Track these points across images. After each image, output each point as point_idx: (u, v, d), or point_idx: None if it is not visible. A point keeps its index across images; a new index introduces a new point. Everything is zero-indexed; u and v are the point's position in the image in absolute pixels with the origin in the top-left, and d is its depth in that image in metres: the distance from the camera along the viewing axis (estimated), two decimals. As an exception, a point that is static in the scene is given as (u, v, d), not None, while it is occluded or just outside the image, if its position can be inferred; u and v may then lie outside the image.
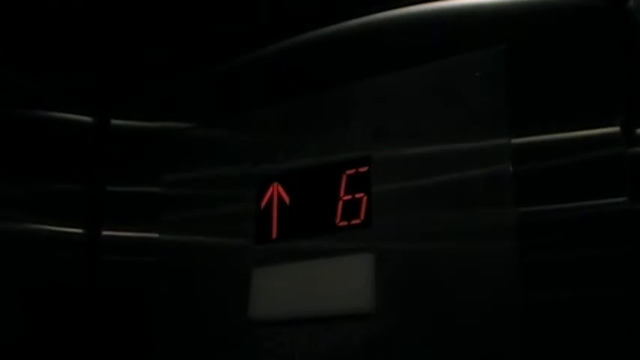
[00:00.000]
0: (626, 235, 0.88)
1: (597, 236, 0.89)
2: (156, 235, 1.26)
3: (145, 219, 1.29)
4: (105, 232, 1.32)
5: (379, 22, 1.16)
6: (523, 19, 1.02)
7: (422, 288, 0.99)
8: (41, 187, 1.26)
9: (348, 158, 1.10)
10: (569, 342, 0.88)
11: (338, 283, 1.04)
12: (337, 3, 1.18)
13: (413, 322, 0.98)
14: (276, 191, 1.15)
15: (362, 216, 1.06)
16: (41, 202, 1.25)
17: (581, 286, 0.89)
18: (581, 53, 0.97)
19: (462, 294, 0.96)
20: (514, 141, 0.98)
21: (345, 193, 1.09)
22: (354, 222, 1.07)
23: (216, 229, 1.20)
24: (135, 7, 1.20)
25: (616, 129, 0.92)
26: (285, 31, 1.22)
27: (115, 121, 1.38)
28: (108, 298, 1.28)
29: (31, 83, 1.27)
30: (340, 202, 1.09)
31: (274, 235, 1.13)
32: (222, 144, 1.25)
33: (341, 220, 1.08)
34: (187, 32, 1.27)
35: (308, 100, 1.18)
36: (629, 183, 0.89)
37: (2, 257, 1.18)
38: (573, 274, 0.89)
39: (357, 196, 1.07)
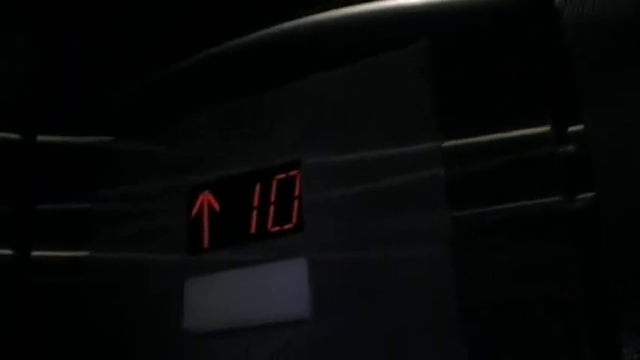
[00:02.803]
0: (561, 234, 0.88)
1: (533, 236, 0.90)
2: (86, 254, 1.23)
3: (75, 236, 1.25)
4: (34, 253, 1.28)
5: (305, 25, 1.16)
6: (449, 16, 1.03)
7: (358, 292, 0.98)
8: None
9: (277, 163, 1.09)
10: (508, 343, 0.88)
11: (273, 290, 1.02)
12: (262, 8, 1.17)
13: (350, 326, 0.97)
14: (207, 200, 1.13)
15: (294, 220, 1.05)
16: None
17: (518, 287, 0.89)
18: (510, 52, 0.97)
19: (398, 297, 0.95)
20: (445, 144, 0.98)
21: (276, 198, 1.08)
22: (286, 227, 1.06)
23: (149, 243, 1.18)
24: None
25: (547, 128, 0.92)
26: (209, 38, 1.21)
27: (41, 137, 1.34)
28: (39, 320, 1.24)
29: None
30: (272, 207, 1.08)
31: (206, 244, 1.12)
32: (150, 155, 1.23)
33: (273, 226, 1.07)
34: (112, 44, 1.25)
35: (235, 106, 1.17)
36: (563, 182, 0.90)
37: None
38: (510, 276, 0.90)
39: (288, 200, 1.06)
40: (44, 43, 1.31)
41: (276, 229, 1.06)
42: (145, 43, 1.25)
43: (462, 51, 1.01)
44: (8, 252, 1.27)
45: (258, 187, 1.09)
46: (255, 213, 1.08)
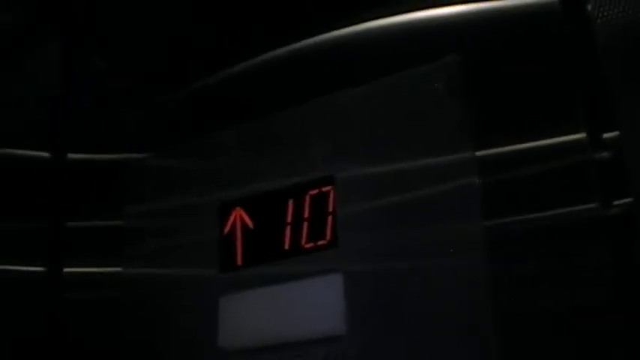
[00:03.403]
0: (597, 242, 0.87)
1: (568, 245, 0.89)
2: (119, 269, 1.23)
3: (107, 253, 1.26)
4: (66, 269, 1.29)
5: (334, 40, 1.15)
6: (479, 25, 1.03)
7: (393, 306, 0.97)
8: (-1, 226, 1.23)
9: (310, 178, 1.09)
10: (544, 353, 0.87)
11: (307, 306, 1.02)
12: (290, 24, 1.17)
13: (386, 341, 0.97)
14: (239, 216, 1.13)
15: (328, 236, 1.05)
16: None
17: (553, 296, 0.88)
18: (541, 60, 0.97)
19: (434, 310, 0.94)
20: (478, 153, 0.97)
21: (310, 214, 1.07)
22: (320, 243, 1.05)
23: (181, 260, 1.18)
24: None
25: (582, 135, 0.91)
26: (239, 54, 1.21)
27: (72, 155, 1.35)
28: (72, 337, 1.24)
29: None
30: (305, 224, 1.07)
31: (239, 261, 1.11)
32: (182, 172, 1.24)
33: (307, 242, 1.06)
34: (141, 60, 1.26)
35: (266, 122, 1.17)
36: (598, 189, 0.89)
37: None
38: (545, 285, 0.89)
39: (322, 216, 1.06)
40: (70, 64, 1.32)
41: (310, 245, 1.06)
42: (174, 59, 1.25)
43: (493, 60, 1.00)
44: (41, 269, 1.28)
45: (291, 203, 1.09)
46: (288, 229, 1.08)
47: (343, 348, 0.99)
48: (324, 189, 1.07)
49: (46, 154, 1.33)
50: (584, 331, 0.85)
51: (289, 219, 1.08)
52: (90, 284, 1.26)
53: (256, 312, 1.06)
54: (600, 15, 0.93)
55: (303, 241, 1.07)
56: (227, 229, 1.14)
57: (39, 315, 1.25)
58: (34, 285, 1.26)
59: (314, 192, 1.08)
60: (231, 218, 1.14)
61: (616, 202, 0.88)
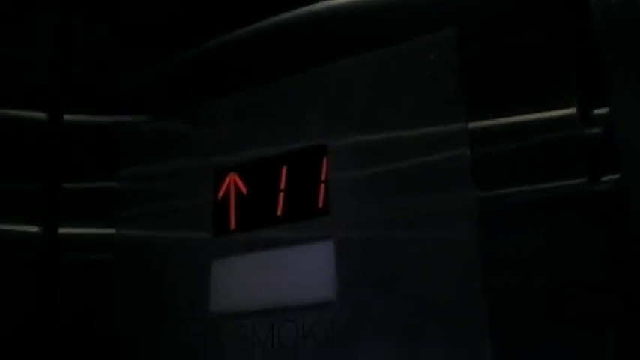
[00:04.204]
0: (586, 216, 0.88)
1: (557, 218, 0.89)
2: (112, 231, 1.24)
3: (101, 215, 1.26)
4: (62, 230, 1.29)
5: (331, 9, 1.14)
6: (476, 2, 1.02)
7: (383, 273, 0.99)
8: (-5, 186, 1.23)
9: (304, 146, 1.09)
10: (533, 326, 0.88)
11: (298, 272, 1.04)
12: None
13: (375, 307, 0.98)
14: (233, 182, 1.14)
15: (320, 204, 1.05)
16: (-5, 201, 1.22)
17: (541, 268, 0.89)
18: (536, 34, 0.96)
19: (422, 278, 0.95)
20: (471, 125, 0.97)
21: (303, 181, 1.08)
22: (312, 210, 1.06)
23: (174, 223, 1.19)
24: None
25: (572, 110, 0.91)
26: (236, 20, 1.21)
27: (68, 117, 1.35)
28: (67, 297, 1.25)
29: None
30: (298, 190, 1.08)
31: (232, 226, 1.12)
32: (177, 137, 1.24)
33: (299, 209, 1.07)
34: (138, 24, 1.25)
35: (262, 90, 1.16)
36: (588, 164, 0.89)
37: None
38: (534, 257, 0.89)
39: (315, 183, 1.06)
40: (69, 28, 1.31)
41: (303, 211, 1.06)
42: (171, 25, 1.24)
43: (488, 33, 1.00)
44: (36, 229, 1.28)
45: (284, 170, 1.09)
46: (281, 195, 1.09)
47: (333, 314, 1.00)
48: (318, 157, 1.07)
49: (42, 115, 1.33)
50: (571, 304, 0.86)
51: (282, 185, 1.09)
52: (84, 246, 1.27)
53: (248, 276, 1.07)
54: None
55: (296, 207, 1.07)
56: (221, 193, 1.15)
57: (33, 275, 1.26)
58: (29, 245, 1.27)
59: (307, 159, 1.08)
60: (226, 183, 1.14)
61: (605, 178, 0.89)
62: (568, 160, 0.90)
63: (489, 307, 0.90)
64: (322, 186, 1.06)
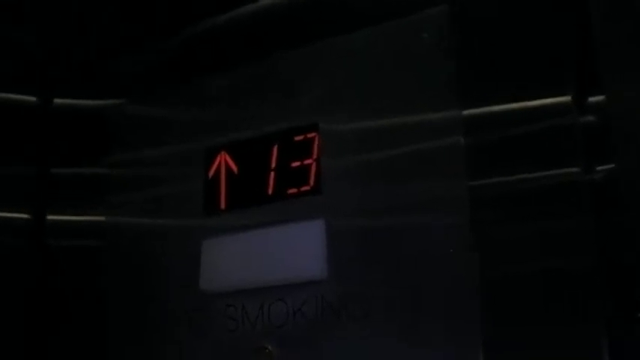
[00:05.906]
0: (580, 205, 0.88)
1: (550, 207, 0.89)
2: (102, 218, 1.24)
3: (91, 200, 1.26)
4: (50, 216, 1.29)
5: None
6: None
7: (373, 255, 0.99)
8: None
9: (295, 125, 1.09)
10: (526, 314, 0.88)
11: (289, 250, 1.03)
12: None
13: (366, 287, 0.98)
14: (224, 161, 1.14)
15: (311, 183, 1.05)
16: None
17: (534, 257, 0.89)
18: (532, 20, 0.96)
19: (413, 261, 0.96)
20: (465, 112, 0.97)
21: (294, 160, 1.08)
22: (303, 189, 1.06)
23: (165, 205, 1.18)
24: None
25: (567, 98, 0.91)
26: (226, 1, 1.21)
27: (57, 100, 1.34)
28: (56, 283, 1.25)
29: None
30: (289, 169, 1.08)
31: (223, 205, 1.12)
32: (168, 118, 1.23)
33: (291, 188, 1.07)
34: (129, 7, 1.25)
35: (253, 69, 1.16)
36: (582, 153, 0.89)
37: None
38: (527, 245, 0.89)
39: (306, 162, 1.07)
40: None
41: (294, 190, 1.06)
42: (161, 6, 1.24)
43: (482, 18, 1.00)
44: (25, 215, 1.28)
45: (275, 149, 1.09)
46: (272, 174, 1.09)
47: (323, 292, 1.01)
48: (309, 135, 1.07)
49: (32, 98, 1.32)
50: (564, 293, 0.86)
51: (273, 164, 1.09)
52: (74, 231, 1.27)
53: (239, 255, 1.07)
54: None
55: (287, 186, 1.07)
56: (212, 173, 1.14)
57: (22, 262, 1.25)
58: (17, 232, 1.26)
59: (298, 138, 1.08)
60: (216, 162, 1.14)
61: (599, 167, 0.89)
62: (563, 148, 0.90)
63: (480, 290, 0.90)
64: (314, 165, 1.06)
